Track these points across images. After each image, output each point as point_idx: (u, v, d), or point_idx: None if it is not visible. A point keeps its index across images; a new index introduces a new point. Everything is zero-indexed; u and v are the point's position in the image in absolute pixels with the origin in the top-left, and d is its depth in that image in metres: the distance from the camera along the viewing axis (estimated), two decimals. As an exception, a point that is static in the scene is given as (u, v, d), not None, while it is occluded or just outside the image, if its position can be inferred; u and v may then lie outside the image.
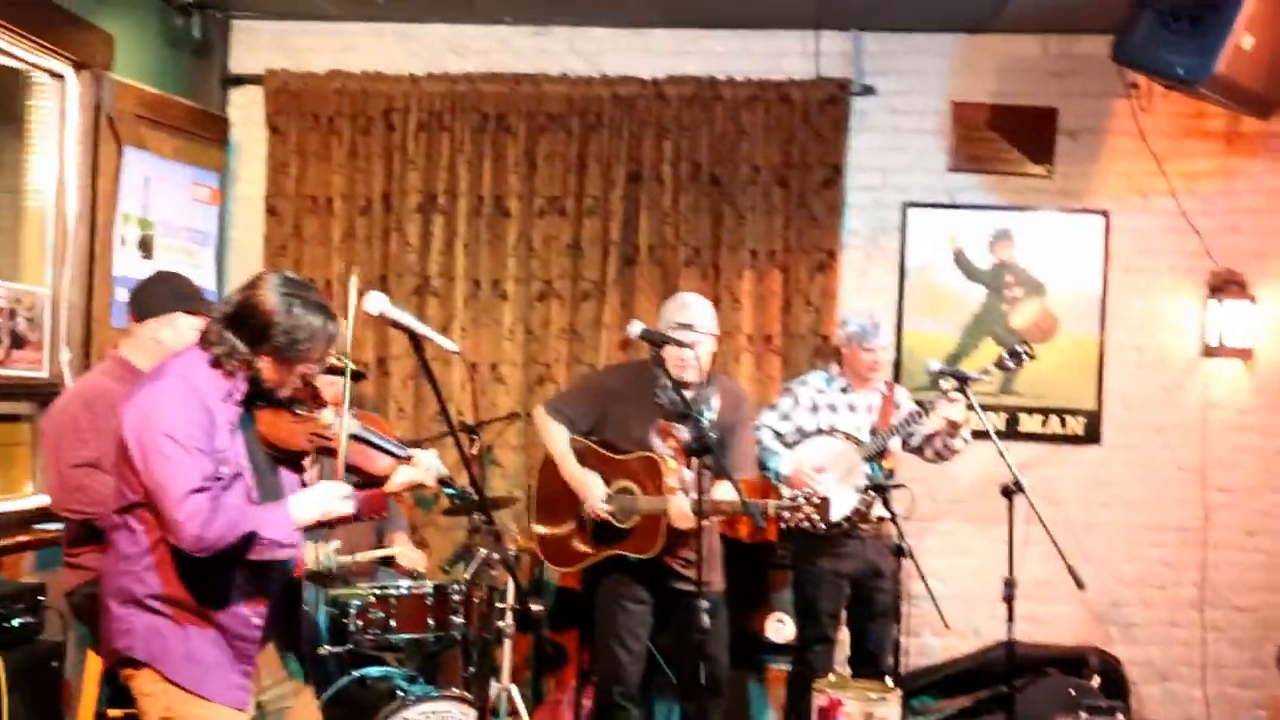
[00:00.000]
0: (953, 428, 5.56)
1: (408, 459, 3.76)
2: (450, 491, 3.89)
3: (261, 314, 3.36)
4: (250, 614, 3.47)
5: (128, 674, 3.45)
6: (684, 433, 4.95)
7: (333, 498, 3.48)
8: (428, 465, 3.77)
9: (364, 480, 3.80)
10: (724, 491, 4.70)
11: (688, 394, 4.98)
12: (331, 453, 3.54)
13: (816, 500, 4.63)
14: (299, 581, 3.78)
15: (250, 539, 3.31)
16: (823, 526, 4.72)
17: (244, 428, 3.46)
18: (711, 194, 6.77)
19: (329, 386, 4.18)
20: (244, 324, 3.38)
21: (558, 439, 5.18)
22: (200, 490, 3.25)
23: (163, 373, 3.44)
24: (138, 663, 3.40)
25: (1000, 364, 5.57)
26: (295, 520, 3.41)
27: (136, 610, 3.39)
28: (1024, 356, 5.56)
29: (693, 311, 5.09)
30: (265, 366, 3.41)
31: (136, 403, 3.37)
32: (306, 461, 3.72)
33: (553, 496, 5.22)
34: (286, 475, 3.63)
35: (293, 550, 3.43)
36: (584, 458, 5.14)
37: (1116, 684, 6.43)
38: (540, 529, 5.31)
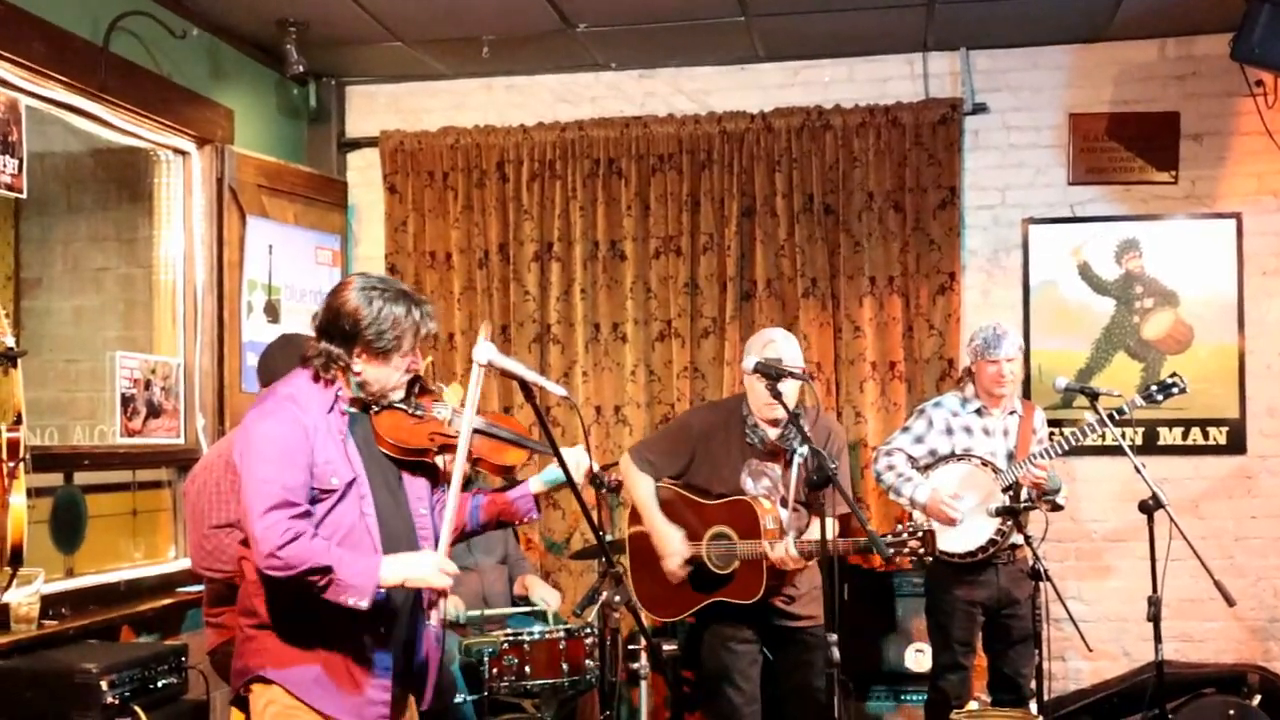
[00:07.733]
0: (1037, 489, 5.36)
1: (547, 453, 3.64)
2: (600, 486, 3.90)
3: (347, 314, 3.44)
4: (376, 647, 3.47)
5: (257, 690, 3.47)
6: (775, 472, 4.85)
7: (428, 568, 3.42)
8: (577, 461, 3.70)
9: (505, 479, 3.84)
10: (817, 530, 4.55)
11: (777, 431, 4.88)
12: (454, 450, 3.51)
13: (921, 533, 4.37)
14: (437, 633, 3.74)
15: (326, 576, 3.29)
16: (929, 559, 4.46)
17: (355, 434, 3.51)
18: (826, 223, 6.72)
19: None
20: (334, 328, 3.46)
21: (642, 488, 5.02)
22: (281, 507, 3.30)
23: (267, 397, 3.57)
24: (268, 680, 3.44)
25: (1148, 397, 5.36)
26: (381, 576, 3.36)
27: (267, 632, 3.45)
28: (1174, 389, 5.34)
29: (779, 347, 4.81)
30: (363, 366, 3.47)
31: (242, 428, 3.51)
32: (439, 460, 3.70)
33: (649, 544, 5.01)
34: (411, 482, 3.62)
35: (364, 602, 3.33)
36: (675, 505, 4.97)
37: (1279, 703, 6.17)
38: (637, 577, 5.11)
